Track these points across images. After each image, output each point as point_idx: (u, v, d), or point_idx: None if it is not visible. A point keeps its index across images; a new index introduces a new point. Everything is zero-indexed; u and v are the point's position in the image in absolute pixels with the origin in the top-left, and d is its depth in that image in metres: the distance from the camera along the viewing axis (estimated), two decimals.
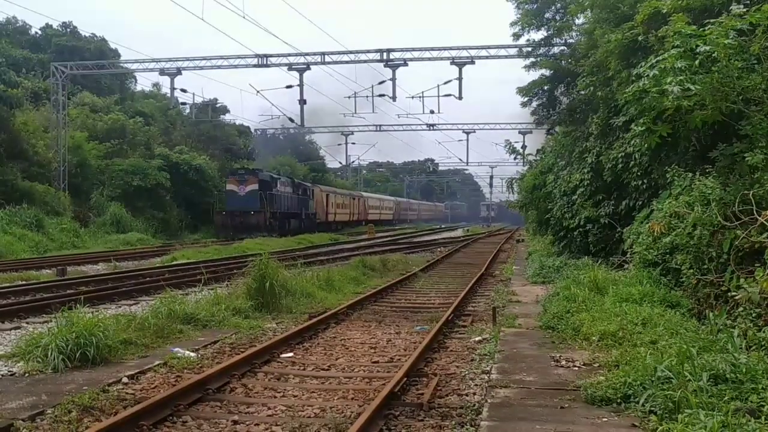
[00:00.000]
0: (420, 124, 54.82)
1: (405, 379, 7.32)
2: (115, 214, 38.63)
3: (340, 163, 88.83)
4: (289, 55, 38.29)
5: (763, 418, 5.00)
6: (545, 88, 22.68)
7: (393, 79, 38.13)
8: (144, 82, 73.96)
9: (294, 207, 50.73)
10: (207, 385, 7.14)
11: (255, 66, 38.47)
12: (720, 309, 8.02)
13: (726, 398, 5.20)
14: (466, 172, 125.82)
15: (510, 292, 14.77)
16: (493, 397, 6.44)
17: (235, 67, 39.39)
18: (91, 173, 42.11)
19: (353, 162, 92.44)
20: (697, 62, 8.87)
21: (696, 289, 9.29)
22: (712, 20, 9.23)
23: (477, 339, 10.06)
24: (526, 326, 10.26)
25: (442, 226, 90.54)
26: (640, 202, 14.62)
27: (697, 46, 8.87)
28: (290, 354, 9.14)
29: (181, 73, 39.68)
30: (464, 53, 37.00)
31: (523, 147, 32.97)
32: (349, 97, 43.81)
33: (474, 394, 7.08)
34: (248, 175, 44.60)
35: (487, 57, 36.69)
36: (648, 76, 9.43)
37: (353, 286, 16.95)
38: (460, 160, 76.83)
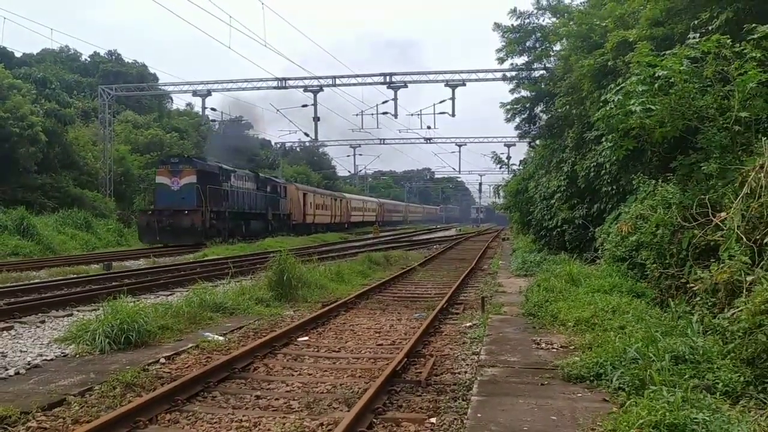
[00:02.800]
0: (418, 138, 54.95)
1: (405, 359, 7.30)
2: None
3: (349, 171, 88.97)
4: (305, 78, 38.37)
5: (718, 393, 4.99)
6: (527, 106, 22.64)
7: (395, 99, 38.21)
8: (179, 102, 74.08)
9: (257, 206, 38.33)
10: (234, 365, 7.14)
11: (275, 88, 38.54)
12: (680, 298, 7.99)
13: (686, 376, 5.19)
14: (459, 179, 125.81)
15: (497, 284, 14.75)
16: (482, 375, 6.41)
17: (258, 88, 39.50)
18: (133, 181, 42.23)
19: (360, 171, 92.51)
20: (656, 86, 8.87)
21: (659, 281, 9.26)
22: (667, 51, 9.23)
23: (468, 324, 10.04)
24: (510, 313, 10.23)
25: (438, 226, 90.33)
26: (610, 206, 14.59)
27: (654, 72, 8.87)
28: (306, 338, 9.13)
29: (211, 94, 39.81)
30: (457, 76, 37.03)
31: (509, 158, 32.91)
32: (356, 115, 43.96)
33: (465, 372, 7.06)
34: (183, 164, 31.04)
35: (476, 80, 36.73)
36: (613, 101, 9.43)
37: (360, 279, 16.94)
38: (453, 169, 77.16)
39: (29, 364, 7.14)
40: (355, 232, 59.18)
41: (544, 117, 22.15)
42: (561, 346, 7.56)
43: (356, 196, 73.49)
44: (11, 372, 6.79)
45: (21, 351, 7.86)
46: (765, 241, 6.64)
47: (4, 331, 9.11)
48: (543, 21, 21.09)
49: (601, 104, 10.71)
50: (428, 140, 54.86)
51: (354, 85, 38.71)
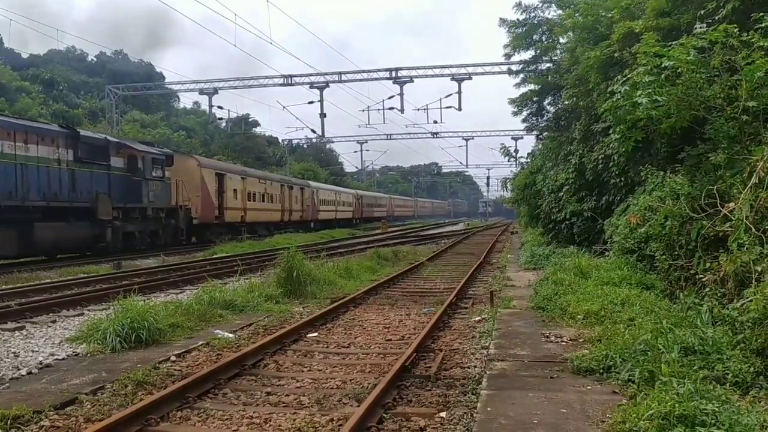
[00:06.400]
0: (425, 133, 55.00)
1: (415, 354, 7.31)
2: None
3: (356, 167, 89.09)
4: (311, 74, 38.50)
5: (728, 384, 4.98)
6: (534, 99, 22.61)
7: (401, 94, 38.26)
8: (186, 101, 74.40)
9: (71, 195, 20.82)
10: (244, 362, 7.17)
11: (281, 85, 38.73)
12: (689, 290, 7.98)
13: (695, 368, 5.18)
14: (466, 173, 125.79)
15: (505, 278, 14.72)
16: (492, 369, 6.42)
17: (264, 86, 39.71)
18: None
19: (368, 166, 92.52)
20: (663, 77, 8.85)
21: (668, 272, 9.25)
22: (674, 42, 9.20)
23: (477, 319, 10.03)
24: (519, 307, 10.22)
25: (446, 221, 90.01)
26: (619, 198, 14.56)
27: (661, 63, 8.84)
28: (315, 334, 9.16)
29: (217, 92, 40.07)
30: (463, 70, 37.08)
31: (516, 151, 32.89)
32: (363, 110, 44.05)
33: (475, 366, 7.07)
34: None
35: (483, 73, 36.81)
36: (620, 92, 9.41)
37: (369, 274, 16.93)
38: (460, 163, 77.28)
39: (41, 364, 7.20)
40: (363, 227, 58.66)
41: (552, 110, 22.14)
42: (570, 339, 7.55)
43: (325, 186, 57.83)
44: (23, 372, 6.86)
45: (33, 351, 7.92)
46: None
47: (16, 331, 9.18)
48: (548, 14, 21.08)
49: (608, 96, 10.69)
50: (435, 135, 54.91)
51: (360, 80, 38.79)
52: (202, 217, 30.36)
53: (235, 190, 34.37)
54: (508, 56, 22.52)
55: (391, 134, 60.67)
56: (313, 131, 46.18)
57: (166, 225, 26.74)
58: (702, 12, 10.44)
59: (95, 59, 64.95)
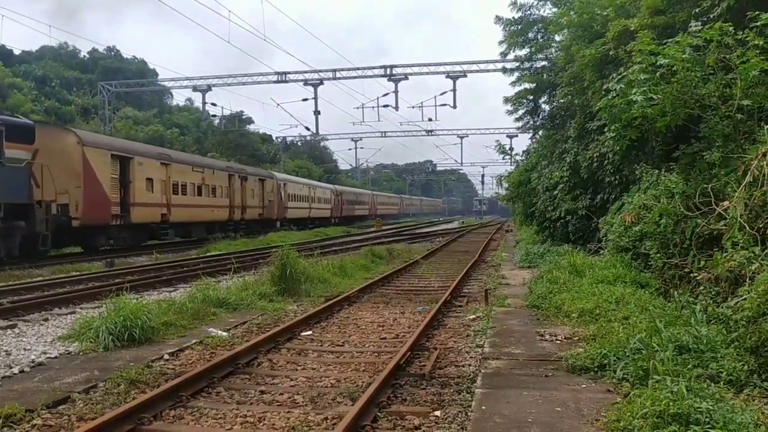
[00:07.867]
0: (419, 131, 55.04)
1: (409, 353, 7.31)
2: None
3: (351, 165, 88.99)
4: (305, 72, 38.51)
5: (722, 383, 5.01)
6: (529, 97, 22.65)
7: (395, 92, 38.27)
8: (179, 98, 74.14)
9: None
10: (237, 360, 7.15)
11: (275, 82, 38.66)
12: (683, 288, 8.01)
13: (689, 366, 5.20)
14: (461, 171, 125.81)
15: (500, 276, 14.74)
16: (486, 367, 6.43)
17: (258, 83, 39.63)
18: None
19: (362, 164, 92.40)
20: (658, 75, 8.87)
21: (662, 271, 9.28)
22: (669, 39, 9.23)
23: (471, 317, 10.04)
24: (514, 305, 10.24)
25: (440, 219, 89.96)
26: (613, 196, 14.60)
27: (656, 61, 8.87)
28: (309, 332, 9.15)
29: (211, 89, 39.98)
30: (458, 68, 37.14)
31: (511, 149, 32.87)
32: (357, 108, 44.08)
33: (469, 365, 7.07)
34: None
35: (477, 71, 36.86)
36: (615, 90, 9.43)
37: (363, 273, 16.92)
38: (455, 161, 77.16)
39: (33, 362, 7.18)
40: (357, 225, 58.44)
41: (547, 108, 22.20)
42: (565, 338, 7.57)
43: (296, 179, 50.06)
44: (16, 370, 6.83)
45: (25, 349, 7.89)
46: None
47: (8, 330, 9.15)
48: (544, 12, 21.12)
49: (603, 94, 10.71)
50: (429, 132, 54.95)
51: (354, 78, 38.80)
52: (88, 217, 21.82)
53: (150, 180, 26.12)
54: (503, 54, 22.56)
55: (385, 132, 60.67)
56: (308, 128, 46.18)
57: (8, 230, 17.62)
58: (697, 10, 10.48)
59: (88, 55, 64.79)
